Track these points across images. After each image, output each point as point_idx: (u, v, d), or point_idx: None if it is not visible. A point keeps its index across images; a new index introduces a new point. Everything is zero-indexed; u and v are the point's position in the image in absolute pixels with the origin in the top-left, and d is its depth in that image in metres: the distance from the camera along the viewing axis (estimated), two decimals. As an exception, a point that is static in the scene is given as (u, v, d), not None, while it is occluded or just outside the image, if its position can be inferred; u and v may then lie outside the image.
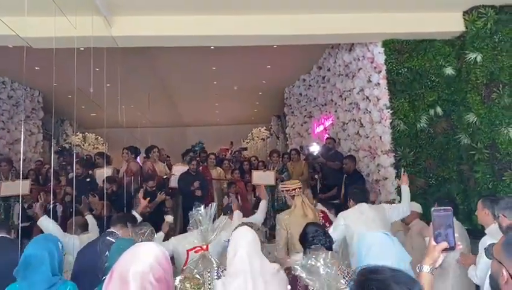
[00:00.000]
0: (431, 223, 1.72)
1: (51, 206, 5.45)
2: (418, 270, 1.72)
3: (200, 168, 7.77)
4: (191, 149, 8.09)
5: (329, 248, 2.87)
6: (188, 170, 7.16)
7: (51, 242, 2.60)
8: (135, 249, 1.36)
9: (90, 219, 4.84)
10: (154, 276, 1.27)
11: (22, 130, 9.10)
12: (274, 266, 2.34)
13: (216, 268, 2.82)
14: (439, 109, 6.07)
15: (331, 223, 4.31)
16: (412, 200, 5.10)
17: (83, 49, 5.22)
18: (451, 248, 1.69)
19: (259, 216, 4.67)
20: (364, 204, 4.16)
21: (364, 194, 4.35)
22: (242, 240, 2.30)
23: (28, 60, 4.75)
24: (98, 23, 5.14)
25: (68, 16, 4.55)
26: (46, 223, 4.20)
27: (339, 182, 6.88)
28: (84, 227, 4.66)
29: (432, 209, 1.74)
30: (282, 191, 4.52)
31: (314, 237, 2.87)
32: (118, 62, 6.20)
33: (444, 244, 1.68)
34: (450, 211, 1.71)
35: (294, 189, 4.39)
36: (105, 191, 5.46)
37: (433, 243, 1.71)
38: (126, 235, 3.53)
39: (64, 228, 4.58)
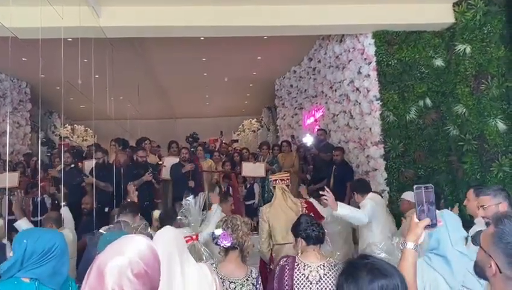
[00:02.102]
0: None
1: (39, 199, 5.41)
2: (401, 247, 1.75)
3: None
4: (174, 141, 8.01)
5: (321, 240, 2.90)
6: (179, 160, 7.09)
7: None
8: (119, 242, 1.32)
9: (65, 211, 4.62)
10: (133, 272, 1.22)
11: (8, 121, 8.96)
12: (201, 266, 2.25)
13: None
14: (428, 101, 6.10)
15: (315, 212, 4.34)
16: (401, 191, 5.16)
17: (70, 39, 5.14)
18: (433, 225, 1.72)
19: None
20: (373, 194, 4.32)
21: (367, 185, 4.47)
22: (159, 239, 2.17)
23: (14, 50, 4.65)
24: (85, 13, 5.07)
25: (54, 5, 4.48)
26: (23, 227, 3.99)
27: (328, 174, 6.91)
28: (59, 221, 4.33)
29: (414, 186, 1.76)
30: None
31: (308, 227, 2.88)
32: (106, 53, 6.12)
33: (427, 221, 1.72)
34: (431, 188, 1.74)
35: (275, 180, 4.39)
36: (94, 173, 5.42)
37: (416, 219, 1.74)
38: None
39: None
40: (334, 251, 3.11)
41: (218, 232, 2.73)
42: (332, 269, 2.75)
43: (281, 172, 4.99)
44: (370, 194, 4.32)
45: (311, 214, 4.18)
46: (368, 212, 4.01)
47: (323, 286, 2.70)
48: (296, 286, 2.72)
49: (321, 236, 2.89)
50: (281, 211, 4.15)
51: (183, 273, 2.09)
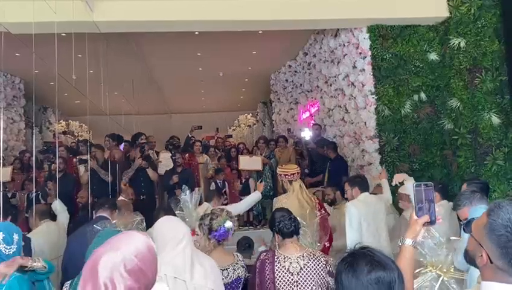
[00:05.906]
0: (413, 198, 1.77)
1: (34, 195, 5.39)
2: (399, 244, 1.77)
3: (187, 155, 7.70)
4: (173, 137, 7.98)
5: (296, 232, 2.94)
6: (174, 166, 6.97)
7: None
8: (118, 237, 1.33)
9: (58, 204, 4.71)
10: (126, 268, 1.24)
11: (2, 117, 8.91)
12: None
13: None
14: (423, 95, 6.12)
15: (325, 209, 4.33)
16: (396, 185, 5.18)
17: (64, 34, 5.10)
18: (432, 222, 1.74)
19: (242, 206, 4.72)
20: (368, 194, 4.22)
21: (367, 183, 4.38)
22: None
23: (7, 46, 4.61)
24: (79, 7, 5.03)
25: (47, 0, 4.44)
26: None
27: (324, 168, 6.95)
28: (47, 214, 4.43)
29: (414, 184, 1.77)
30: (280, 175, 4.39)
31: (280, 222, 2.91)
32: (100, 48, 6.08)
33: (426, 218, 1.73)
34: (431, 186, 1.75)
35: (293, 174, 4.34)
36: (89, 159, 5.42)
37: (415, 217, 1.76)
38: (117, 219, 3.50)
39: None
40: (315, 243, 3.13)
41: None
42: (312, 258, 2.81)
43: (290, 165, 4.93)
44: (363, 195, 4.16)
45: (322, 210, 4.21)
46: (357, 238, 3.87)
47: (305, 276, 2.76)
48: (277, 279, 2.77)
49: (294, 229, 2.92)
50: (298, 205, 4.11)
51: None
